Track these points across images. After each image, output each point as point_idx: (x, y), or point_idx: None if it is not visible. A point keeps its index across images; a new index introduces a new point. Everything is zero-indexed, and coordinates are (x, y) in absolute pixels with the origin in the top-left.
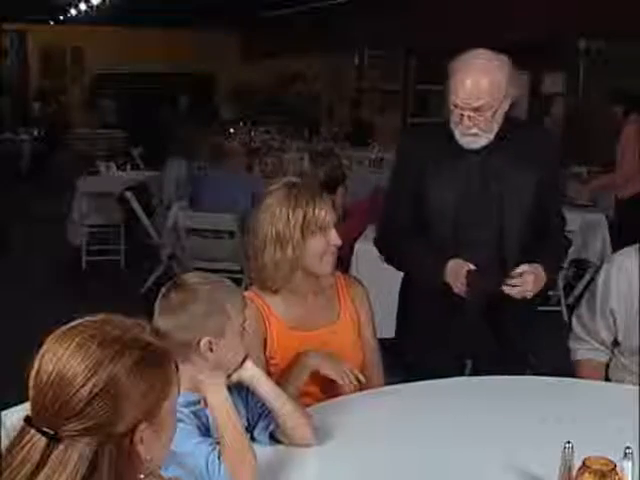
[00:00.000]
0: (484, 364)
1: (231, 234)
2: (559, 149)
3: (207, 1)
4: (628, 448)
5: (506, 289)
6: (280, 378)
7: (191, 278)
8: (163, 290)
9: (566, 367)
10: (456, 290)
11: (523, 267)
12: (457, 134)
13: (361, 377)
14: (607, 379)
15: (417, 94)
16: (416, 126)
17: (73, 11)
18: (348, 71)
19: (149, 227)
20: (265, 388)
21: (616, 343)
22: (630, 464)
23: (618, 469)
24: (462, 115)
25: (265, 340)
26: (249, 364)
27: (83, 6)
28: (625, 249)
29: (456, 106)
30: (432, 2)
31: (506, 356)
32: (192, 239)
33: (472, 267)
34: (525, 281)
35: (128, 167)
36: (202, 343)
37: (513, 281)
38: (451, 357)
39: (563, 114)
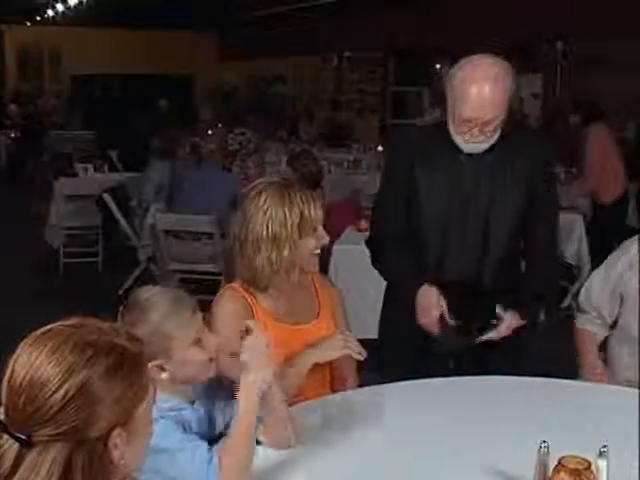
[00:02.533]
0: (465, 364)
1: (209, 236)
2: (552, 156)
3: (185, 3)
4: (603, 447)
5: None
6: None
7: (142, 295)
8: (121, 307)
9: (544, 366)
10: (421, 322)
11: (502, 315)
12: (460, 141)
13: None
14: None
15: (395, 96)
16: (399, 127)
17: (50, 12)
18: (327, 73)
19: (127, 229)
20: (274, 386)
21: (614, 326)
22: (605, 463)
23: (593, 468)
24: (471, 127)
25: None
26: None
27: (60, 7)
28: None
29: (468, 120)
30: (411, 5)
31: (486, 355)
32: (170, 241)
33: (442, 307)
34: (499, 331)
35: (106, 169)
36: (149, 367)
37: (485, 337)
38: (432, 357)
39: (540, 115)
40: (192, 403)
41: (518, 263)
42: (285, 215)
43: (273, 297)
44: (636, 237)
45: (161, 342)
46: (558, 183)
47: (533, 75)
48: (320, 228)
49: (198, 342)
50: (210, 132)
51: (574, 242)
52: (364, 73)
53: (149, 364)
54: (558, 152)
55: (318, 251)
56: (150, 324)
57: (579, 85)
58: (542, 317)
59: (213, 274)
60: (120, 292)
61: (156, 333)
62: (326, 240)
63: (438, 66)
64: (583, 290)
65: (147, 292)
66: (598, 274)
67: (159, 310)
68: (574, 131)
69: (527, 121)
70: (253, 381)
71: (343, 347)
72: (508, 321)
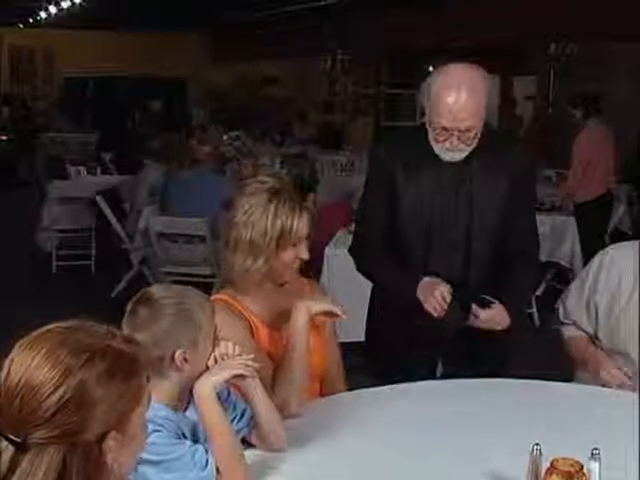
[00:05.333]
0: (455, 366)
1: (202, 238)
2: (533, 164)
3: (178, 5)
4: (595, 449)
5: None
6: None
7: (156, 292)
8: (129, 306)
9: (536, 369)
10: (427, 308)
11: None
12: (438, 149)
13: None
14: None
15: (389, 98)
16: (389, 130)
17: (43, 14)
18: (320, 75)
19: (120, 231)
20: (259, 390)
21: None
22: (597, 465)
23: (585, 470)
24: (449, 136)
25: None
26: None
27: (53, 9)
28: (624, 243)
29: (444, 128)
30: (404, 7)
31: (475, 359)
32: (163, 243)
33: (445, 289)
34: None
35: (99, 171)
36: (176, 356)
37: (477, 321)
38: (421, 360)
39: (533, 117)
40: (185, 410)
41: (502, 266)
42: (266, 226)
43: (258, 302)
44: (618, 243)
45: (190, 329)
46: (548, 185)
47: (527, 77)
48: (301, 244)
49: (214, 340)
50: (204, 134)
51: (567, 244)
52: (358, 75)
53: (178, 351)
54: (549, 153)
55: (296, 266)
56: (177, 311)
57: (573, 87)
58: (537, 322)
59: (206, 277)
60: (113, 295)
61: (185, 319)
62: (305, 256)
63: (431, 68)
64: (560, 304)
65: (163, 288)
66: (573, 286)
67: (186, 297)
68: (574, 128)
69: (522, 123)
70: (198, 385)
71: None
72: (498, 307)
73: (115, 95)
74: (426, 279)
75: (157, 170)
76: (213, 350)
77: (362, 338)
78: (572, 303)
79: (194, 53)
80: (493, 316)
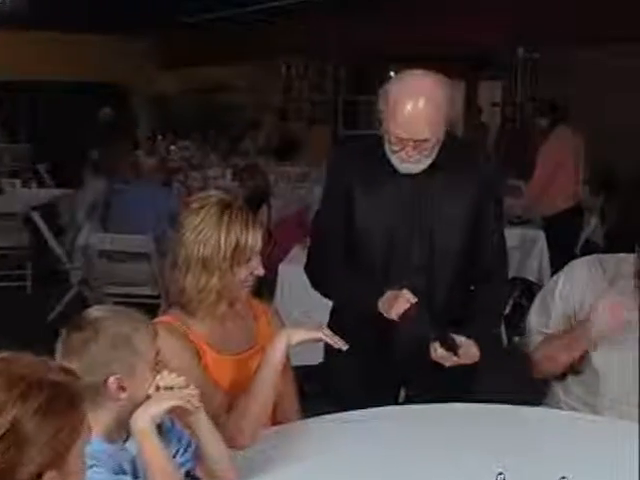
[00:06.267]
0: (417, 392)
1: (147, 257)
2: (500, 176)
3: (123, 5)
4: (563, 478)
5: (432, 353)
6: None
7: (92, 314)
8: (64, 331)
9: (503, 391)
10: (392, 314)
11: (461, 340)
12: (395, 160)
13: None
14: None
15: (347, 105)
16: (347, 141)
17: None
18: (274, 81)
19: (58, 250)
20: (204, 422)
21: None
22: None
23: None
24: (404, 145)
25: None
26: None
27: None
28: (591, 256)
29: (400, 138)
30: (364, 11)
31: (439, 383)
32: (104, 262)
33: (410, 295)
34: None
35: (34, 185)
36: (109, 382)
37: (440, 352)
38: (383, 384)
39: (499, 124)
40: (124, 442)
41: (469, 288)
42: (219, 241)
43: (207, 326)
44: (577, 260)
45: (125, 353)
46: (516, 195)
47: (493, 83)
48: (255, 259)
49: (156, 367)
50: (150, 145)
51: (535, 258)
52: (314, 81)
53: (111, 378)
54: (517, 162)
55: (249, 283)
56: (112, 334)
57: (541, 93)
58: (505, 340)
59: (151, 297)
60: (50, 317)
61: (120, 343)
62: (260, 272)
63: (392, 74)
64: (526, 323)
65: (100, 310)
66: (537, 301)
67: (123, 320)
68: (540, 136)
69: (487, 130)
70: (135, 418)
71: (320, 335)
72: (465, 347)
73: (52, 102)
74: (389, 292)
75: (98, 183)
76: (154, 378)
77: (317, 361)
78: (535, 317)
79: (139, 57)
80: (459, 362)
